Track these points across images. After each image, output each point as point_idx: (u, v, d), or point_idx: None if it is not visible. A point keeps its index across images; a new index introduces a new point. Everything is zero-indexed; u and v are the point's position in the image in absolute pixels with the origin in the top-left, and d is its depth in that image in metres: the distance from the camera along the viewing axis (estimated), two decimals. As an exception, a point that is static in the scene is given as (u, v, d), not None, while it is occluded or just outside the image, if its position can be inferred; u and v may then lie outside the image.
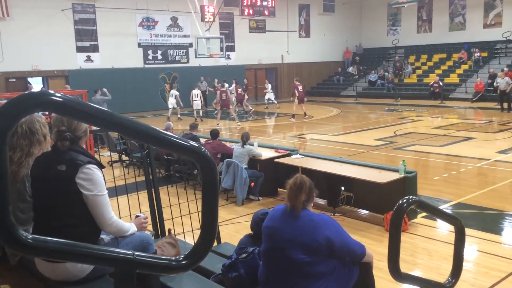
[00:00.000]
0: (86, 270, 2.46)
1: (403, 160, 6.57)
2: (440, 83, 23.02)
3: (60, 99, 1.37)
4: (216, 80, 21.55)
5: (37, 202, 2.51)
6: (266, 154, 8.08)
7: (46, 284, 2.52)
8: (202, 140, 8.79)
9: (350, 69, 29.62)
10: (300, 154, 7.96)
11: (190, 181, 8.19)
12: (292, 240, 2.84)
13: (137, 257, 1.59)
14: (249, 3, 24.17)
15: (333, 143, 13.08)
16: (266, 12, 25.32)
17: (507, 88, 18.35)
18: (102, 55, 21.47)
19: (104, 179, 2.51)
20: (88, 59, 21.25)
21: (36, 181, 2.51)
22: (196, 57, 22.36)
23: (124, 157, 10.65)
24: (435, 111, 19.68)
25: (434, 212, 3.56)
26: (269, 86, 22.87)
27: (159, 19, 23.26)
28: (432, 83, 23.33)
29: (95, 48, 21.35)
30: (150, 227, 3.80)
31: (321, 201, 7.31)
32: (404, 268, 2.78)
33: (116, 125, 1.52)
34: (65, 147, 2.45)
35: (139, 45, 22.88)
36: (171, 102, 19.16)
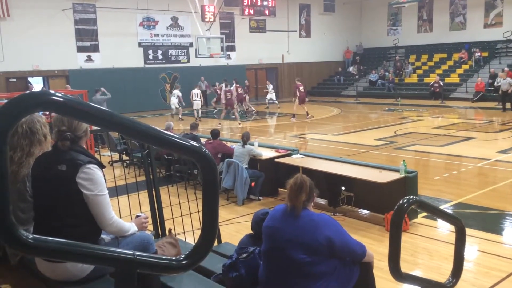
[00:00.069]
0: (87, 270, 2.46)
1: (404, 160, 6.57)
2: (441, 83, 23.01)
3: (61, 99, 1.37)
4: (217, 83, 21.61)
5: (37, 202, 2.51)
6: (267, 154, 8.08)
7: (46, 284, 2.53)
8: (203, 140, 8.79)
9: (351, 69, 29.62)
10: (300, 154, 7.95)
11: (190, 181, 8.19)
12: (293, 240, 2.84)
13: (137, 257, 1.59)
14: (249, 3, 24.15)
15: (334, 143, 13.07)
16: (266, 12, 25.32)
17: (509, 88, 18.31)
18: (103, 55, 21.47)
19: (104, 179, 2.51)
20: (89, 59, 21.26)
21: (36, 181, 2.51)
22: (196, 57, 22.36)
23: (124, 157, 10.65)
24: (435, 111, 19.67)
25: (435, 212, 3.56)
26: (270, 86, 22.89)
27: (160, 19, 23.26)
28: (432, 83, 23.32)
29: (95, 48, 21.35)
30: (150, 227, 3.80)
31: (322, 201, 7.31)
32: (404, 268, 2.78)
33: (116, 125, 1.52)
34: (66, 147, 2.45)
35: (140, 45, 22.88)
36: (174, 102, 19.18)
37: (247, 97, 21.45)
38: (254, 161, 7.90)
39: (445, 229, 6.08)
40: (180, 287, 2.90)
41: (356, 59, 30.22)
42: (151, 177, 4.02)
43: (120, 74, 21.68)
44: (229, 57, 25.44)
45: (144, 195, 4.11)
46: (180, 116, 19.18)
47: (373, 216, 6.77)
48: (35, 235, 1.43)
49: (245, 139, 7.84)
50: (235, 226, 6.51)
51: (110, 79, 20.69)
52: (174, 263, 1.68)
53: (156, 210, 4.00)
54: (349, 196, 6.86)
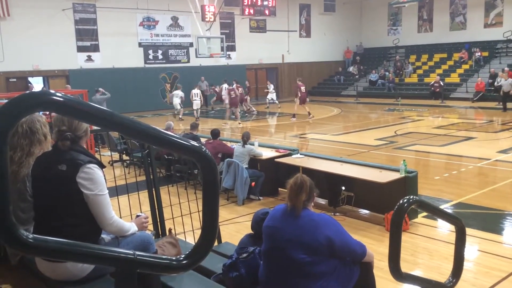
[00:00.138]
0: (87, 269, 2.46)
1: (404, 160, 6.57)
2: (441, 83, 23.01)
3: (61, 99, 1.37)
4: (213, 86, 21.65)
5: (37, 201, 2.51)
6: (267, 153, 8.08)
7: (46, 283, 2.53)
8: (203, 140, 8.79)
9: (351, 68, 29.61)
10: (300, 154, 7.96)
11: (190, 180, 8.19)
12: (293, 240, 2.84)
13: (137, 257, 1.59)
14: (249, 3, 24.15)
15: (334, 142, 13.07)
16: (266, 12, 25.32)
17: (510, 89, 18.30)
18: (103, 54, 21.47)
19: (104, 178, 2.51)
20: (89, 58, 21.26)
21: (36, 181, 2.51)
22: (196, 56, 22.36)
23: (124, 157, 10.65)
24: (435, 110, 19.67)
25: (435, 212, 3.55)
26: (271, 86, 22.89)
27: (160, 19, 23.26)
28: (432, 82, 23.33)
29: (95, 48, 21.35)
30: (150, 227, 3.80)
31: (322, 201, 7.31)
32: (404, 268, 2.78)
33: (116, 125, 1.52)
34: (66, 146, 2.45)
35: (140, 44, 22.88)
36: (176, 102, 19.20)
37: (248, 98, 21.45)
38: (254, 161, 7.90)
39: (445, 229, 6.08)
40: (180, 287, 2.90)
41: (356, 59, 30.22)
42: (151, 177, 4.02)
43: (120, 74, 21.68)
44: (229, 57, 25.44)
45: (144, 195, 4.11)
46: (180, 116, 19.20)
47: (373, 216, 6.77)
48: (35, 235, 1.43)
49: (245, 139, 7.84)
50: (235, 226, 6.51)
51: (110, 79, 20.69)
52: (174, 263, 1.68)
53: (156, 210, 4.00)
54: (349, 196, 6.86)
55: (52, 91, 1.43)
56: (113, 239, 2.63)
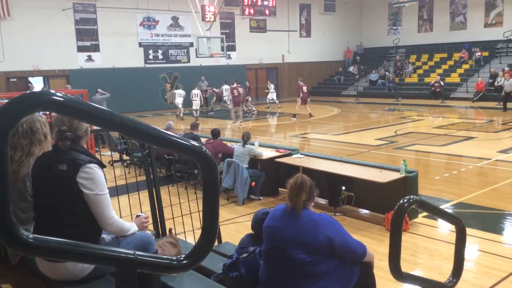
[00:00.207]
0: (87, 269, 2.46)
1: (404, 160, 6.57)
2: (441, 83, 23.02)
3: (61, 99, 1.37)
4: (214, 87, 21.74)
5: (38, 201, 2.51)
6: (267, 153, 8.08)
7: (47, 283, 2.53)
8: (203, 140, 8.79)
9: (351, 68, 29.61)
10: (301, 154, 7.96)
11: (191, 180, 8.19)
12: (293, 240, 2.84)
13: (138, 257, 1.59)
14: (249, 3, 24.15)
15: (334, 142, 13.07)
16: (266, 12, 25.31)
17: None
18: (103, 54, 21.48)
19: (105, 178, 2.51)
20: (89, 58, 21.26)
21: (37, 181, 2.51)
22: (197, 56, 22.37)
23: (125, 157, 10.65)
24: (436, 110, 19.67)
25: (435, 212, 3.55)
26: (271, 86, 22.88)
27: (160, 19, 23.26)
28: (433, 82, 23.34)
29: (96, 48, 21.35)
30: (151, 227, 3.80)
31: (322, 201, 7.31)
32: (405, 267, 2.78)
33: (117, 125, 1.52)
34: (66, 146, 2.45)
35: (140, 44, 22.88)
36: (178, 101, 19.25)
37: (249, 98, 21.43)
38: (255, 161, 7.90)
39: (445, 228, 6.08)
40: (180, 286, 2.90)
41: (356, 58, 30.21)
42: (152, 177, 4.02)
43: (121, 74, 21.69)
44: (229, 57, 25.45)
45: (144, 195, 4.11)
46: (181, 114, 19.28)
47: (373, 215, 6.77)
48: (35, 235, 1.43)
49: (245, 138, 7.84)
50: (235, 226, 6.51)
51: (111, 79, 20.70)
52: (175, 262, 1.68)
53: (157, 210, 4.00)
54: (349, 195, 6.86)
55: (52, 91, 1.43)
56: (113, 239, 2.63)
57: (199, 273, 3.14)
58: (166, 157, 8.87)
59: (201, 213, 1.70)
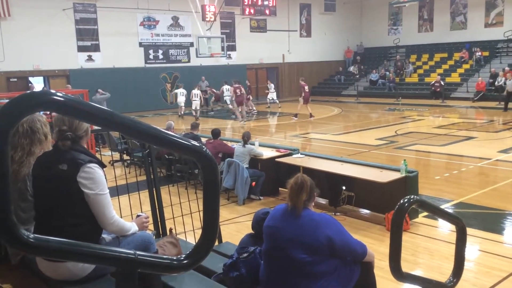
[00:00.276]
0: (88, 269, 2.46)
1: (404, 160, 6.57)
2: (442, 83, 23.01)
3: (62, 99, 1.37)
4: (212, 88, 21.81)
5: (38, 201, 2.51)
6: (267, 153, 8.08)
7: (47, 283, 2.53)
8: (203, 140, 8.79)
9: (351, 68, 29.61)
10: (301, 154, 7.96)
11: (191, 180, 8.19)
12: (293, 240, 2.84)
13: (138, 257, 1.59)
14: (250, 3, 24.14)
15: (334, 142, 13.07)
16: (267, 12, 25.30)
17: None
18: (103, 54, 21.48)
19: (105, 178, 2.51)
20: (89, 58, 21.26)
21: (37, 181, 2.51)
22: (197, 56, 22.38)
23: (125, 157, 10.66)
24: (436, 110, 19.66)
25: (435, 212, 3.55)
26: (272, 86, 22.86)
27: (160, 19, 23.26)
28: (433, 82, 23.33)
29: (96, 48, 21.35)
30: (151, 227, 3.80)
31: (322, 201, 7.31)
32: (405, 267, 2.78)
33: (117, 125, 1.52)
34: (66, 146, 2.45)
35: (140, 44, 22.88)
36: (181, 100, 19.29)
37: (251, 97, 21.43)
38: (255, 161, 7.90)
39: (446, 228, 6.08)
40: (181, 286, 2.90)
41: (356, 58, 30.20)
42: (152, 177, 4.02)
43: (121, 74, 21.69)
44: (229, 57, 25.45)
45: (145, 195, 4.11)
46: (182, 112, 19.35)
47: (373, 215, 6.77)
48: (36, 235, 1.43)
49: (245, 138, 7.84)
50: (235, 225, 6.51)
51: (111, 79, 20.70)
52: (175, 262, 1.68)
53: (157, 210, 4.00)
54: (349, 195, 6.86)
55: (52, 91, 1.43)
56: (114, 238, 2.63)
57: (200, 273, 3.14)
58: (167, 157, 8.87)
59: (201, 213, 1.70)
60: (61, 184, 2.41)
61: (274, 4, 25.48)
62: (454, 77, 24.86)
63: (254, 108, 21.15)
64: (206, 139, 8.82)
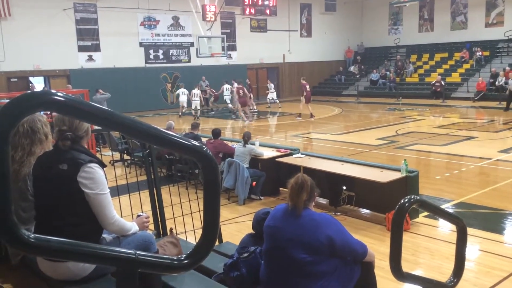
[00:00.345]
0: (88, 269, 2.46)
1: (405, 160, 6.56)
2: (442, 82, 23.00)
3: (62, 99, 1.37)
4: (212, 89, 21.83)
5: (38, 201, 2.52)
6: (268, 153, 8.08)
7: (48, 283, 2.53)
8: (204, 140, 8.79)
9: (352, 68, 29.60)
10: (301, 154, 7.95)
11: (191, 180, 8.20)
12: (294, 240, 2.84)
13: (139, 257, 1.59)
14: (250, 3, 24.13)
15: (335, 142, 13.07)
16: (267, 12, 25.30)
17: None
18: (104, 54, 21.48)
19: (105, 178, 2.51)
20: (90, 58, 21.27)
21: (38, 180, 2.51)
22: (197, 56, 22.38)
23: (125, 157, 10.66)
24: (436, 110, 19.66)
25: (436, 212, 3.55)
26: (271, 86, 22.85)
27: (161, 19, 23.26)
28: (433, 82, 23.32)
29: (96, 48, 21.36)
30: (151, 227, 3.80)
31: (323, 201, 7.31)
32: (406, 267, 2.78)
33: (117, 125, 1.52)
34: (66, 146, 2.45)
35: (141, 44, 22.89)
36: (183, 100, 19.33)
37: (252, 96, 21.42)
38: (255, 161, 7.90)
39: (446, 228, 6.08)
40: (181, 286, 2.90)
41: (357, 58, 30.20)
42: (152, 177, 4.02)
43: (121, 74, 21.70)
44: (230, 57, 25.45)
45: (145, 195, 4.11)
46: (183, 110, 19.36)
47: (374, 215, 6.77)
48: (36, 235, 1.43)
49: (246, 138, 7.84)
50: (236, 225, 6.51)
51: (111, 79, 20.71)
52: (176, 262, 1.68)
53: (157, 210, 4.00)
54: (350, 195, 6.86)
55: (53, 91, 1.43)
56: (114, 238, 2.63)
57: (200, 272, 3.14)
58: (167, 157, 8.87)
59: (201, 213, 1.70)
60: (61, 184, 2.41)
61: (275, 4, 25.47)
62: (455, 77, 24.85)
63: (255, 108, 21.14)
64: (207, 139, 8.82)
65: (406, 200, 2.69)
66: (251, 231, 3.63)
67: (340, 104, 23.38)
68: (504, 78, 20.66)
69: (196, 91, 19.35)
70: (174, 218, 4.17)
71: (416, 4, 26.88)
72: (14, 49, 18.82)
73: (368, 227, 6.32)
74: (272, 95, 22.66)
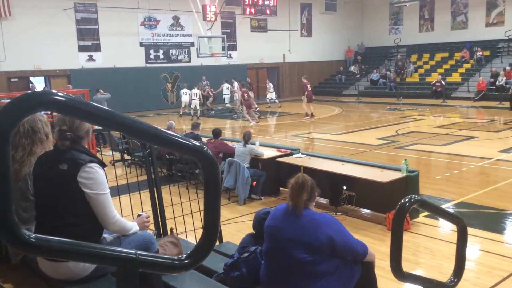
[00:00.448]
0: (89, 269, 2.46)
1: (405, 159, 6.56)
2: (442, 82, 22.99)
3: (62, 99, 1.37)
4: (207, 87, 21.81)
5: (39, 201, 2.52)
6: (268, 153, 8.08)
7: (48, 283, 2.53)
8: (204, 139, 8.79)
9: (352, 68, 29.60)
10: (302, 153, 7.95)
11: (192, 180, 8.20)
12: (294, 239, 2.84)
13: (139, 256, 1.59)
14: (250, 2, 24.12)
15: (335, 142, 13.07)
16: (267, 11, 25.28)
17: None
18: (104, 54, 21.48)
19: (106, 178, 2.51)
20: (90, 58, 21.27)
21: (38, 180, 2.51)
22: (198, 56, 22.38)
23: (126, 157, 10.66)
24: (437, 110, 19.65)
25: (436, 211, 3.55)
26: (270, 86, 22.81)
27: (161, 19, 23.27)
28: (434, 82, 23.31)
29: (97, 48, 21.36)
30: (152, 226, 3.80)
31: (323, 200, 7.31)
32: (406, 267, 2.78)
33: (118, 125, 1.52)
34: (65, 146, 2.45)
35: (141, 44, 22.89)
36: (185, 100, 19.35)
37: (252, 94, 21.37)
38: (256, 161, 7.90)
39: (446, 228, 6.08)
40: (181, 286, 2.90)
41: (357, 58, 30.19)
42: (153, 177, 4.02)
43: (122, 74, 21.70)
44: (230, 57, 25.45)
45: (145, 195, 4.11)
46: (184, 109, 19.39)
47: (374, 215, 6.77)
48: (37, 234, 1.43)
49: (246, 138, 7.84)
50: (236, 225, 6.51)
51: (112, 79, 20.72)
52: (176, 262, 1.68)
53: (158, 210, 4.00)
54: (350, 195, 6.86)
55: (53, 91, 1.43)
56: (114, 238, 2.63)
57: (200, 272, 3.14)
58: (167, 156, 8.88)
59: (202, 213, 1.70)
60: (61, 184, 2.41)
61: (275, 4, 25.45)
62: (455, 77, 24.84)
63: (256, 106, 21.10)
64: (207, 138, 8.82)
65: (407, 200, 2.69)
66: (251, 231, 3.63)
67: (340, 104, 23.37)
68: (504, 78, 20.66)
69: (196, 90, 19.36)
70: (174, 218, 4.18)
71: (417, 3, 26.87)
72: (15, 49, 18.82)
73: (369, 227, 6.32)
74: (271, 95, 22.62)
